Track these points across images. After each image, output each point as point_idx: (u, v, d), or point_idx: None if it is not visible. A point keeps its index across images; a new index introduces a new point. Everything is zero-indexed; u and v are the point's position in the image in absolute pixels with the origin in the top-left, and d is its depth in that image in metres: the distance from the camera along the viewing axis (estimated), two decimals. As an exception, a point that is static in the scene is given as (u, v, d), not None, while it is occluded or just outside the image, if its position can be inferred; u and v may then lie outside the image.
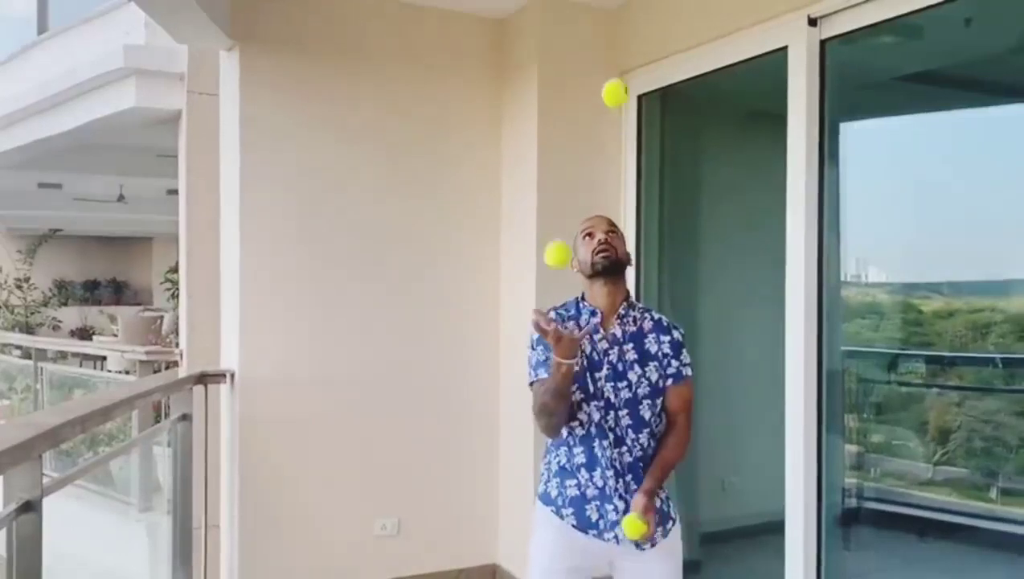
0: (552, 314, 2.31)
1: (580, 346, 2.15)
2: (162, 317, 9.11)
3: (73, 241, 14.62)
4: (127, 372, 6.55)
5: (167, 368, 5.70)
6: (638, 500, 2.17)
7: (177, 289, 6.38)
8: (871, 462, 4.24)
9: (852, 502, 3.92)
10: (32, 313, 12.62)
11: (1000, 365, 4.15)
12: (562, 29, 3.99)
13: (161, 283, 9.67)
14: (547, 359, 2.21)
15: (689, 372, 2.33)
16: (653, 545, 2.28)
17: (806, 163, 3.10)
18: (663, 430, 2.34)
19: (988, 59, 3.68)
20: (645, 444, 2.28)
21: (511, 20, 4.16)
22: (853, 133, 3.67)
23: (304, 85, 3.85)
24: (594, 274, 2.30)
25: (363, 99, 3.96)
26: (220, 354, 3.99)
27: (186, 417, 3.52)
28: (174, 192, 8.37)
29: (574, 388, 2.23)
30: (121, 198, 11.52)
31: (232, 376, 3.71)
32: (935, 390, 4.42)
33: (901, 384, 4.42)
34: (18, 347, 8.58)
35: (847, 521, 3.65)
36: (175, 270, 7.17)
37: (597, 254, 2.28)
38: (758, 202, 3.90)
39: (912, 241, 3.86)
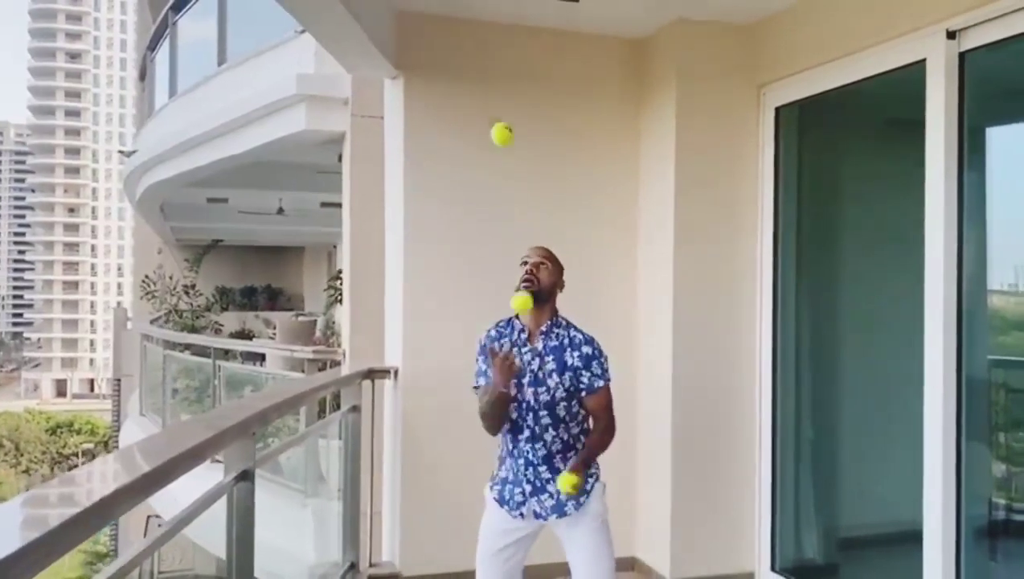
0: (493, 332, 2.77)
1: (513, 374, 2.59)
2: (315, 321, 9.73)
3: (233, 251, 15.72)
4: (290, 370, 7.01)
5: (329, 367, 6.17)
6: (570, 465, 2.61)
7: (337, 294, 6.88)
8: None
9: (999, 514, 3.84)
10: (197, 317, 13.56)
11: None
12: (700, 46, 4.14)
13: (324, 289, 10.30)
14: (486, 370, 2.68)
15: (599, 383, 2.70)
16: (570, 511, 2.68)
17: (944, 173, 3.13)
18: (590, 424, 2.76)
19: None
20: (565, 438, 2.69)
21: (650, 40, 4.34)
22: (1002, 139, 3.62)
23: (460, 109, 4.18)
24: None
25: (512, 120, 4.24)
26: (382, 353, 4.35)
27: (355, 409, 3.91)
28: (328, 205, 8.93)
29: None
30: (280, 211, 12.23)
31: (396, 372, 4.06)
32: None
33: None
34: (187, 347, 9.39)
35: (993, 533, 3.59)
36: (337, 277, 7.69)
37: (522, 283, 2.67)
38: (897, 210, 3.92)
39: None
